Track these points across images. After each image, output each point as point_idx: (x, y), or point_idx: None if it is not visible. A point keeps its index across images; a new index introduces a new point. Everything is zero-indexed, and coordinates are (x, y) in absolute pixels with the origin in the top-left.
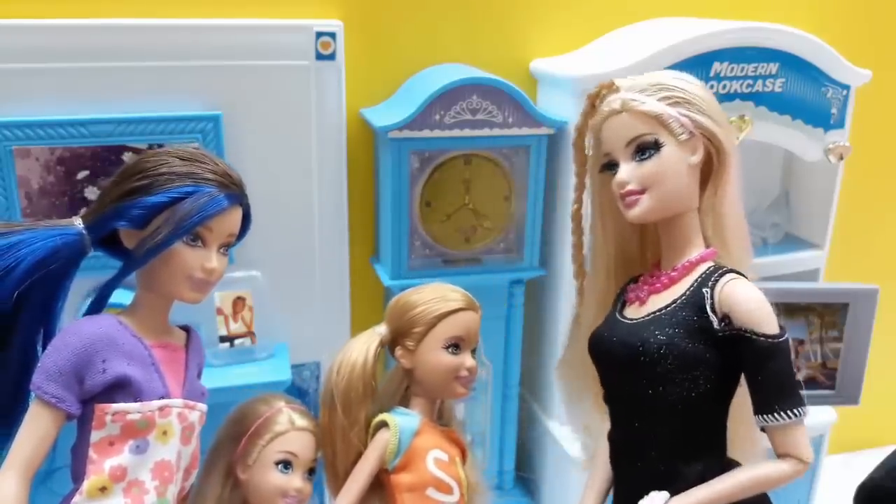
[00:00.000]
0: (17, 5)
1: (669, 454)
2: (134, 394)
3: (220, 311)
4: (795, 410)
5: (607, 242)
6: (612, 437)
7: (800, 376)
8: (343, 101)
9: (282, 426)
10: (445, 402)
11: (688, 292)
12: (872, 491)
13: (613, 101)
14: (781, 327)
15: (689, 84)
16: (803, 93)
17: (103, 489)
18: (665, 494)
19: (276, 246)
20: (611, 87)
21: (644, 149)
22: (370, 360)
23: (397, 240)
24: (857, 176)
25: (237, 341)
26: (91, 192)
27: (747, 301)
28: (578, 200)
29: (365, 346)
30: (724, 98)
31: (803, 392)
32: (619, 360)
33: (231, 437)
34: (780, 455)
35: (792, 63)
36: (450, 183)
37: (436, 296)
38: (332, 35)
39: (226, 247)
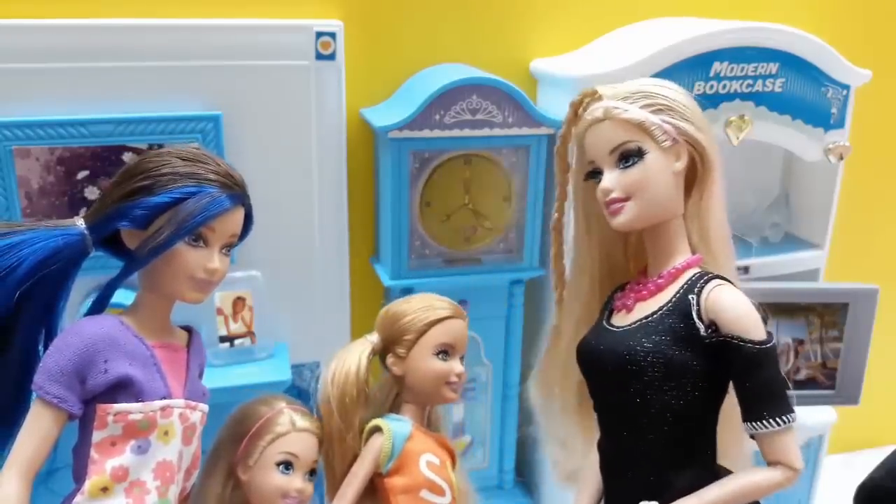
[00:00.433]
0: (17, 5)
1: (659, 463)
2: (136, 394)
3: (220, 311)
4: (784, 417)
5: (592, 250)
6: (602, 447)
7: (800, 376)
8: (343, 101)
9: (283, 427)
10: (434, 410)
11: (674, 299)
12: (872, 491)
13: (596, 110)
14: (769, 333)
15: (672, 91)
16: (803, 93)
17: (105, 489)
18: None
19: (276, 246)
20: (594, 95)
21: (628, 156)
22: (363, 367)
23: (397, 240)
24: (857, 176)
25: (237, 341)
26: (91, 192)
27: (734, 308)
28: (560, 209)
29: (357, 354)
30: (724, 98)
31: (791, 394)
32: (606, 369)
33: (232, 437)
34: (770, 463)
35: (792, 63)
36: (450, 183)
37: (424, 305)
38: (332, 35)
39: (228, 247)
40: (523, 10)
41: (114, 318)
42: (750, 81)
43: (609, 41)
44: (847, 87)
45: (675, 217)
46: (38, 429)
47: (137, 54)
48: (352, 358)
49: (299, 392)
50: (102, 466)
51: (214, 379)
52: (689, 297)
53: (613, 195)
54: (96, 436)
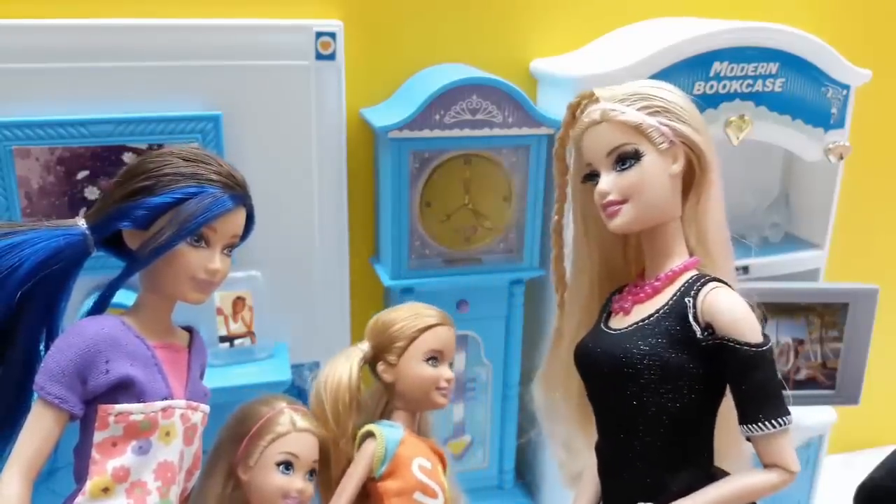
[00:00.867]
0: (17, 5)
1: (656, 465)
2: (137, 394)
3: (220, 311)
4: (781, 420)
5: (591, 253)
6: (599, 448)
7: (800, 376)
8: (343, 101)
9: (283, 427)
10: (424, 416)
11: (671, 302)
12: (872, 491)
13: (593, 112)
14: (765, 336)
15: (669, 93)
16: (803, 92)
17: (106, 490)
18: None
19: (276, 246)
20: (591, 98)
21: (624, 159)
22: (355, 374)
23: (397, 240)
24: (857, 176)
25: (237, 341)
26: (91, 192)
27: (731, 310)
28: (559, 211)
29: (349, 361)
30: (724, 98)
31: (788, 395)
32: (603, 371)
33: (232, 437)
34: (767, 465)
35: (792, 63)
36: (449, 183)
37: (413, 313)
38: (332, 35)
39: (229, 248)
40: (523, 10)
41: (115, 319)
42: (750, 81)
43: (609, 41)
44: (847, 87)
45: (672, 219)
46: (39, 429)
47: (137, 54)
48: (344, 366)
49: (299, 392)
50: (103, 467)
51: (214, 379)
52: (686, 299)
53: (610, 197)
54: (97, 436)
